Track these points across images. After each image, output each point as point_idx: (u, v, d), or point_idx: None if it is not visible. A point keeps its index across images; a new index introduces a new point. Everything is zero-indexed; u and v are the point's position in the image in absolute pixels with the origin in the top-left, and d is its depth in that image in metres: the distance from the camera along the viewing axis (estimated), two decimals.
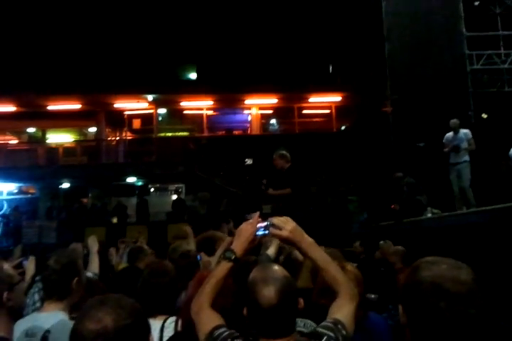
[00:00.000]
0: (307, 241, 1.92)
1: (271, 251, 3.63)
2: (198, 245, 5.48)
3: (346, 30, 18.39)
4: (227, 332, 1.76)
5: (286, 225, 1.92)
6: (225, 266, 1.91)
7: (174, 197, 17.14)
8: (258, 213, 2.03)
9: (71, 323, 1.44)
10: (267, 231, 1.94)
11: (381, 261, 5.91)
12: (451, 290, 1.30)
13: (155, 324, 2.51)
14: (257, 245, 2.07)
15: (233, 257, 1.91)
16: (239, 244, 1.95)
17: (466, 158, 8.20)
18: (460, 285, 1.30)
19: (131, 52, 19.50)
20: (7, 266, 2.23)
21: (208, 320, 1.84)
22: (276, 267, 1.82)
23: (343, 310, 1.83)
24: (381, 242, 6.58)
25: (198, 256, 4.16)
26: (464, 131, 8.33)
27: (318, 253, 1.92)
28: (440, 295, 1.29)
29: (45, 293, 2.45)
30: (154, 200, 15.99)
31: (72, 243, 5.59)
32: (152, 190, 18.49)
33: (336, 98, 20.28)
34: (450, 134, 8.35)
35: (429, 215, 8.36)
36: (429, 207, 8.72)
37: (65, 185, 18.08)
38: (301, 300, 1.78)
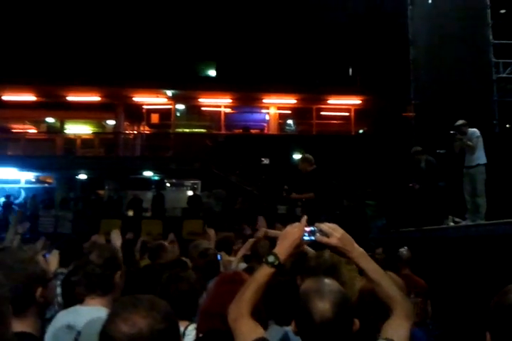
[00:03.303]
0: (357, 250, 1.76)
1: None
2: (218, 244, 5.47)
3: (368, 33, 18.30)
4: None
5: (335, 232, 1.75)
6: (267, 272, 1.73)
7: (190, 193, 17.17)
8: (306, 217, 1.86)
9: None
10: (312, 237, 1.79)
11: None
12: None
13: None
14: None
15: (277, 262, 1.73)
16: (283, 249, 1.77)
17: (480, 161, 7.39)
18: None
19: (153, 47, 19.58)
20: (42, 261, 2.10)
21: (248, 329, 1.68)
22: (329, 280, 1.69)
23: (398, 330, 1.66)
24: (401, 249, 6.43)
25: (219, 256, 4.13)
26: (472, 130, 7.57)
27: (370, 265, 1.75)
28: None
29: (88, 287, 2.43)
30: (170, 195, 16.01)
31: (94, 235, 5.64)
32: (168, 185, 18.57)
33: (356, 101, 20.22)
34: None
35: (451, 224, 8.16)
36: (450, 215, 8.54)
37: (82, 176, 18.18)
38: (357, 321, 1.63)
